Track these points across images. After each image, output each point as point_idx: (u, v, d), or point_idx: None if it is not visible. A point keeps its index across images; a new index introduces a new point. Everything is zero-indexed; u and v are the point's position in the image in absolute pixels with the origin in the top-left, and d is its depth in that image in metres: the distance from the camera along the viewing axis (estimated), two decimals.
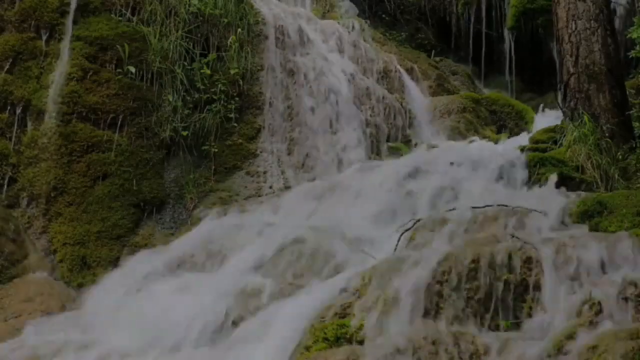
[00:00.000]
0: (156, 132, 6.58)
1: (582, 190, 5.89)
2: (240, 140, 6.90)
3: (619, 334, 3.29)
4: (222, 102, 6.89)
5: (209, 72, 6.95)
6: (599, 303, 3.65)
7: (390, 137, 7.90)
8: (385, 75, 8.74)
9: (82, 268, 5.84)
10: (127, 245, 6.04)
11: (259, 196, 6.56)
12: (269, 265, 5.04)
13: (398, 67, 9.10)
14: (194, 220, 6.32)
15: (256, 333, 4.09)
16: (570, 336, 3.49)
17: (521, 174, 6.37)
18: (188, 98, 6.80)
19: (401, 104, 8.35)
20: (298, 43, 7.95)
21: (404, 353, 3.48)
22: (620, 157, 6.21)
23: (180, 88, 6.75)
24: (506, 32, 11.50)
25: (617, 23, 10.05)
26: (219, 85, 6.92)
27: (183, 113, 6.69)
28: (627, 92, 7.09)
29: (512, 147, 7.36)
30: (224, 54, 7.14)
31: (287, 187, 6.69)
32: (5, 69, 6.30)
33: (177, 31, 6.91)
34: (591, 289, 3.75)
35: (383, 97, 8.09)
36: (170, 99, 6.65)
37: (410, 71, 9.45)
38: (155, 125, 6.58)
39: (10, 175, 6.00)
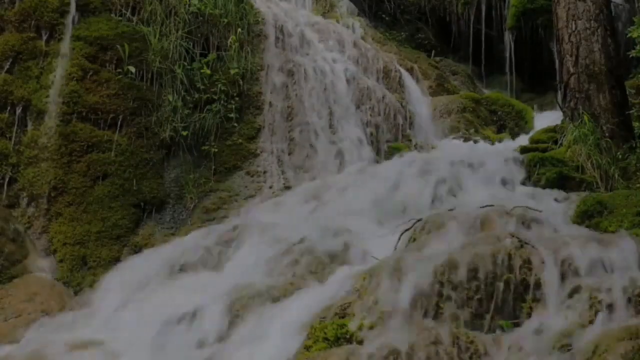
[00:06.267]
0: (156, 132, 6.58)
1: (582, 190, 5.90)
2: (240, 140, 6.90)
3: (619, 334, 3.29)
4: (222, 102, 6.89)
5: (209, 72, 6.95)
6: (599, 303, 3.65)
7: (390, 137, 7.90)
8: (385, 75, 8.74)
9: (82, 268, 5.84)
10: (127, 245, 6.04)
11: (259, 196, 6.56)
12: (269, 265, 5.04)
13: (398, 67, 9.10)
14: (193, 220, 6.33)
15: (256, 333, 4.09)
16: (571, 336, 3.49)
17: (521, 173, 6.37)
18: (188, 98, 6.80)
19: (401, 104, 8.35)
20: (298, 43, 7.95)
21: (404, 353, 3.47)
22: (620, 157, 6.21)
23: (180, 88, 6.75)
24: (506, 32, 11.50)
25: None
26: (219, 85, 6.93)
27: (183, 113, 6.69)
28: (627, 92, 7.09)
29: (512, 147, 7.37)
30: (224, 53, 7.14)
31: (287, 187, 6.69)
32: (5, 69, 6.30)
33: (177, 31, 6.91)
34: (591, 289, 3.75)
35: (383, 97, 8.09)
36: (170, 99, 6.65)
37: (410, 71, 9.46)
38: (155, 125, 6.58)
39: (10, 175, 6.00)
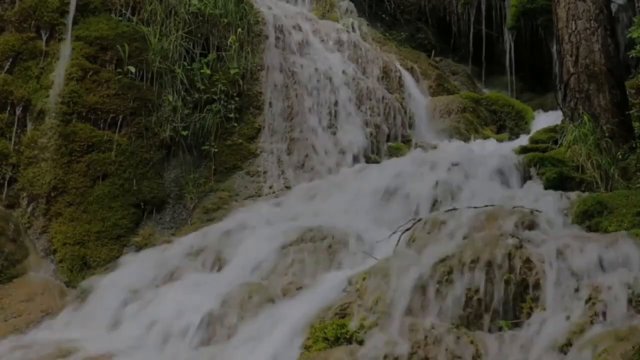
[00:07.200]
0: (156, 132, 6.57)
1: (582, 190, 5.90)
2: (240, 140, 6.90)
3: (619, 334, 3.29)
4: (222, 102, 6.89)
5: (209, 72, 6.95)
6: (599, 303, 3.65)
7: (390, 137, 7.90)
8: (385, 75, 8.74)
9: (82, 268, 5.84)
10: (127, 245, 6.04)
11: (259, 196, 6.57)
12: (269, 265, 5.04)
13: (398, 67, 9.11)
14: (193, 220, 6.33)
15: (256, 333, 4.09)
16: (570, 336, 3.49)
17: (521, 173, 6.37)
18: (188, 98, 6.80)
19: (401, 104, 8.35)
20: (298, 43, 7.95)
21: (404, 353, 3.48)
22: (620, 157, 6.21)
23: (180, 88, 6.75)
24: (506, 32, 11.50)
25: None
26: (219, 85, 6.92)
27: (183, 113, 6.69)
28: (627, 92, 7.09)
29: (512, 147, 7.37)
30: (224, 54, 7.14)
31: (287, 187, 6.69)
32: (5, 69, 6.30)
33: (177, 31, 6.91)
34: (591, 289, 3.76)
35: (383, 97, 8.09)
36: (170, 99, 6.65)
37: (410, 71, 9.46)
38: (155, 125, 6.57)
39: (10, 175, 6.00)
